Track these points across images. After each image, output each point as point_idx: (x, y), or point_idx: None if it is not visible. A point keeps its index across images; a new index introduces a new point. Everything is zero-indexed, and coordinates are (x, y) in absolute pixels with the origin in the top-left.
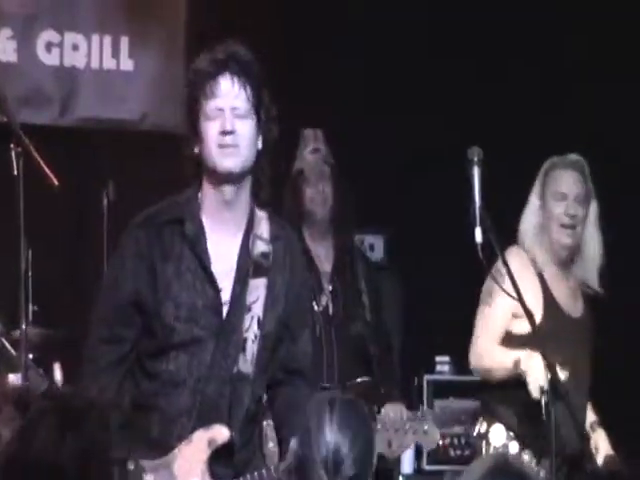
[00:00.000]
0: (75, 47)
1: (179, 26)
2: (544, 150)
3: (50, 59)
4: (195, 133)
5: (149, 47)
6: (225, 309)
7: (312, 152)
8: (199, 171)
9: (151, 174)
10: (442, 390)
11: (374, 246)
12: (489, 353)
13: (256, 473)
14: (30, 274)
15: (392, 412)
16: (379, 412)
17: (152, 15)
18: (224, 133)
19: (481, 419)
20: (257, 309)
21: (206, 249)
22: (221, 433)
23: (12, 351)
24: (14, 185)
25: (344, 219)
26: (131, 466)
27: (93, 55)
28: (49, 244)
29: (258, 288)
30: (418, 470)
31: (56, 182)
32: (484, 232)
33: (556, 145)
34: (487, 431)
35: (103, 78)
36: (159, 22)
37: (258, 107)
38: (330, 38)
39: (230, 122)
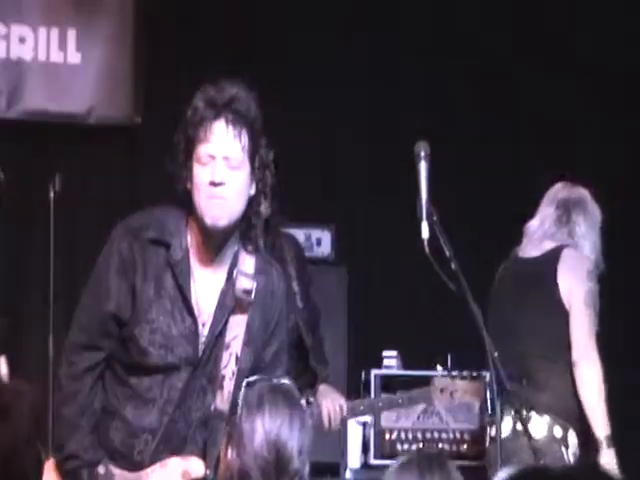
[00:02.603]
0: (22, 39)
1: (127, 18)
2: (491, 144)
3: None
4: (186, 171)
5: (97, 39)
6: (202, 342)
7: None
8: (191, 203)
9: (98, 166)
10: (390, 384)
11: (321, 241)
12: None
13: None
14: None
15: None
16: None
17: (100, 7)
18: (214, 184)
19: (554, 423)
20: (236, 346)
21: (189, 280)
22: (197, 468)
23: None
24: None
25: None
26: (102, 470)
27: (40, 48)
28: None
29: (238, 325)
30: (365, 464)
31: (2, 175)
32: (430, 226)
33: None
34: (564, 436)
35: (50, 71)
36: (107, 14)
37: (253, 155)
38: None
39: (220, 173)
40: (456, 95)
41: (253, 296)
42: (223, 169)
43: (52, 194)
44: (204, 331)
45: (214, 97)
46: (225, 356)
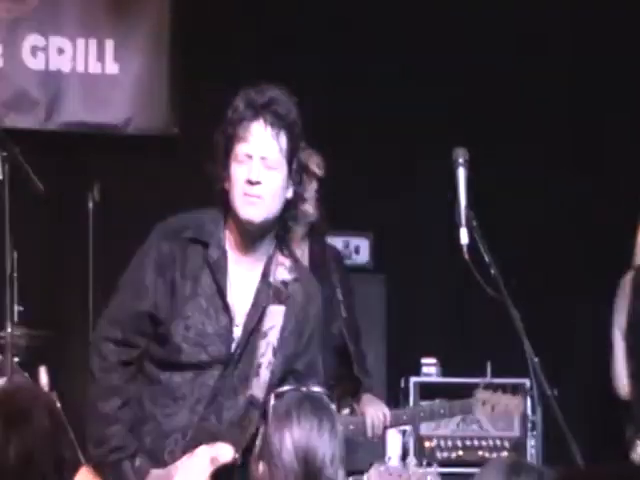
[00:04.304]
0: (60, 51)
1: (164, 28)
2: (532, 149)
3: (35, 63)
4: (224, 170)
5: (134, 50)
6: (235, 341)
7: None
8: (228, 202)
9: (136, 176)
10: (428, 392)
11: (359, 248)
12: None
13: None
14: (16, 276)
15: (379, 412)
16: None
17: (137, 18)
18: (250, 182)
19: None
20: (273, 336)
21: (226, 279)
22: (225, 453)
23: None
24: (0, 189)
25: (320, 220)
26: (137, 462)
27: (78, 59)
28: (35, 246)
29: (276, 315)
30: None
31: (41, 186)
32: (470, 233)
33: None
34: None
35: (88, 82)
36: (144, 25)
37: (291, 157)
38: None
39: (257, 172)
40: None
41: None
42: (260, 168)
43: (91, 204)
44: (238, 330)
45: (254, 98)
46: (262, 344)
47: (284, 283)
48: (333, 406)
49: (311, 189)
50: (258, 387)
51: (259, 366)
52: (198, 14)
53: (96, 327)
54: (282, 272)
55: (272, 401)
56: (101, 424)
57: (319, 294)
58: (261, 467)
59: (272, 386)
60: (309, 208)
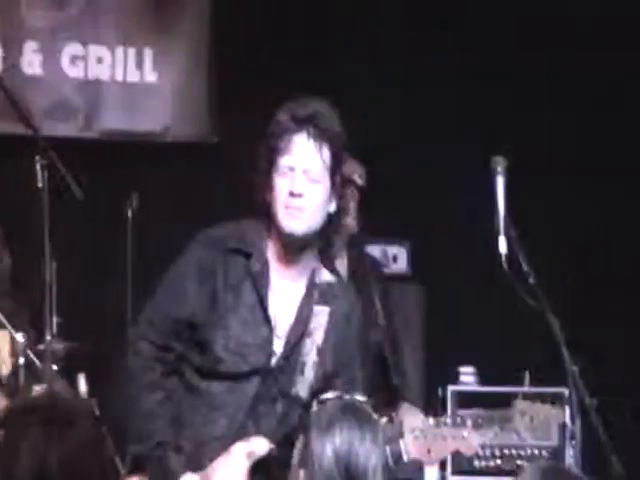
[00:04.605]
0: (99, 60)
1: (203, 37)
2: (571, 158)
3: (75, 72)
4: (266, 182)
5: (173, 59)
6: (276, 353)
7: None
8: (270, 214)
9: (175, 184)
10: (466, 401)
11: (397, 257)
12: None
13: None
14: (54, 286)
15: (420, 419)
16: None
17: (176, 26)
18: (292, 195)
19: None
20: (318, 336)
21: (267, 290)
22: (260, 446)
23: (37, 363)
24: (39, 197)
25: (359, 230)
26: (181, 456)
27: (117, 67)
28: (73, 256)
29: (321, 315)
30: None
31: (80, 194)
32: (508, 242)
33: (585, 152)
34: None
35: (127, 90)
36: (183, 33)
37: (334, 171)
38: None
39: (299, 184)
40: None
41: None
42: (302, 181)
43: (129, 212)
44: (279, 342)
45: (297, 111)
46: (307, 343)
47: (329, 285)
48: (376, 415)
49: (352, 199)
50: (302, 385)
51: (304, 365)
52: (238, 22)
53: (134, 327)
54: (326, 275)
55: (314, 408)
56: (143, 420)
57: (359, 311)
58: (302, 475)
59: (315, 386)
60: (350, 219)
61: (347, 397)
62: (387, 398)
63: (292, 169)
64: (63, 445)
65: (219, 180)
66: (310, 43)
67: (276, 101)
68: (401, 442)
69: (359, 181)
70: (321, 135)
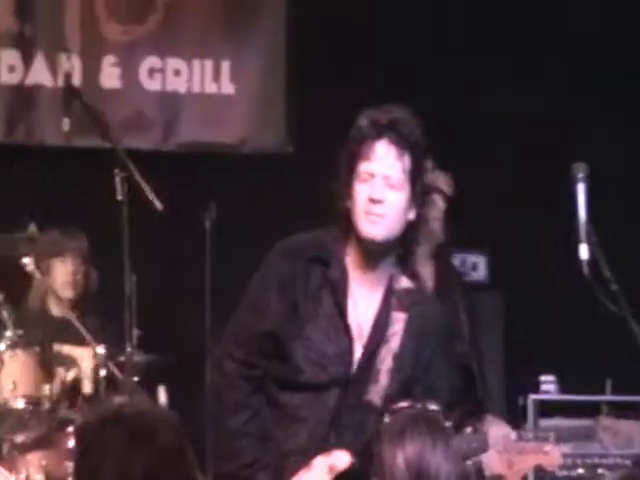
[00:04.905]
0: (177, 72)
1: (280, 49)
2: None
3: (153, 85)
4: (347, 188)
5: (250, 70)
6: (356, 362)
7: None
8: (349, 221)
9: (252, 195)
10: (547, 410)
11: (477, 265)
12: None
13: None
14: (135, 298)
15: (502, 433)
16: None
17: (252, 38)
18: (372, 201)
19: None
20: (394, 343)
21: (346, 299)
22: (342, 460)
23: (118, 375)
24: (119, 210)
25: (446, 240)
26: (269, 476)
27: (195, 80)
28: (153, 268)
29: (398, 322)
30: None
31: (160, 206)
32: (590, 248)
33: None
34: None
35: (205, 102)
36: (259, 44)
37: (414, 179)
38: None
39: (380, 191)
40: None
41: (405, 324)
42: (382, 187)
43: (208, 224)
44: (358, 351)
45: (378, 117)
46: (383, 351)
47: (407, 291)
48: (448, 424)
49: (439, 209)
50: (376, 393)
51: (378, 372)
52: (313, 32)
53: (218, 346)
54: (404, 281)
55: (386, 418)
56: (230, 439)
57: (439, 318)
58: None
59: (391, 394)
60: (437, 228)
61: (419, 406)
62: (472, 409)
63: (372, 175)
64: (147, 455)
65: (297, 190)
66: (388, 51)
67: (353, 111)
68: (484, 457)
69: (447, 190)
70: (402, 141)
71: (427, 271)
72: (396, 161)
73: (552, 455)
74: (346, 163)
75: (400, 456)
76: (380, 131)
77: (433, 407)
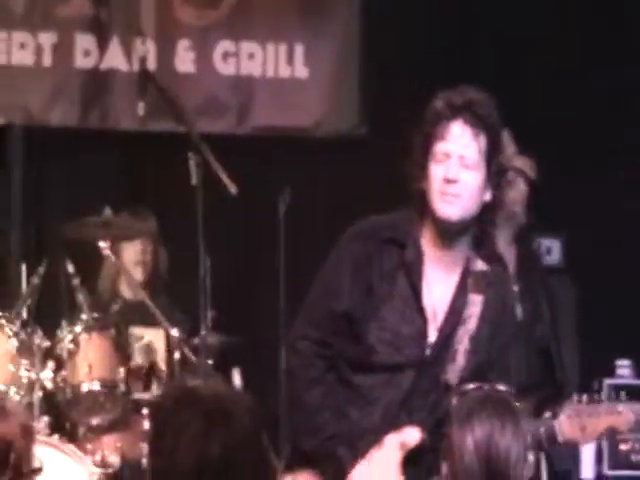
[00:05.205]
0: (251, 56)
1: (354, 32)
2: None
3: (227, 69)
4: (421, 169)
5: (324, 53)
6: (430, 344)
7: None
8: (424, 202)
9: (327, 179)
10: (623, 394)
11: (551, 249)
12: None
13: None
14: (209, 281)
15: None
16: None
17: (326, 22)
18: (447, 181)
19: None
20: (471, 324)
21: (421, 281)
22: (413, 436)
23: (192, 357)
24: (193, 194)
25: (529, 224)
26: (341, 452)
27: (269, 64)
28: (227, 251)
29: (475, 304)
30: (598, 476)
31: (234, 190)
32: None
33: None
34: None
35: (278, 86)
36: (334, 27)
37: (490, 160)
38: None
39: (455, 170)
40: None
41: (482, 306)
42: (458, 167)
43: (282, 207)
44: (433, 333)
45: (454, 98)
46: (461, 331)
47: (484, 273)
48: (518, 405)
49: (522, 192)
50: (453, 373)
51: (456, 352)
52: (387, 15)
53: (293, 326)
54: (480, 264)
55: (454, 401)
56: (310, 415)
57: (517, 301)
58: (444, 468)
59: (467, 375)
60: (519, 211)
61: (488, 387)
62: (551, 394)
63: (448, 155)
64: (224, 435)
65: (370, 173)
66: (463, 36)
67: (426, 94)
68: (555, 423)
69: (530, 174)
70: (478, 122)
71: (509, 255)
72: (472, 141)
73: (625, 415)
74: (421, 144)
75: (469, 439)
76: (456, 111)
77: (502, 388)
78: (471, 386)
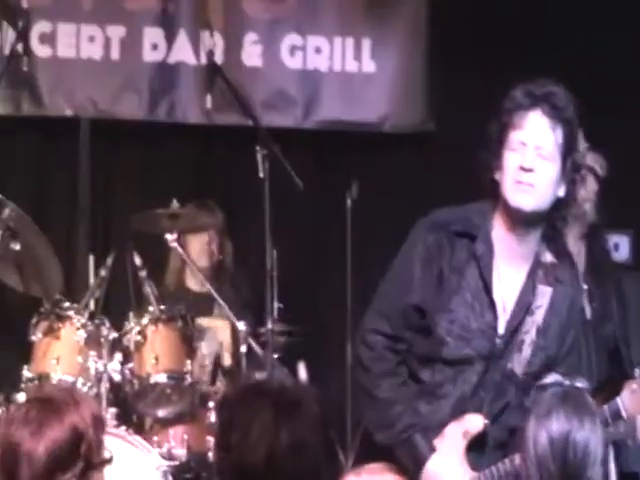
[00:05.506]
0: (318, 50)
1: (421, 26)
2: None
3: (294, 63)
4: (496, 159)
5: (391, 48)
6: (499, 337)
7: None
8: (497, 194)
9: (393, 173)
10: None
11: (619, 245)
12: None
13: (506, 461)
14: (276, 274)
15: None
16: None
17: (393, 16)
18: (523, 169)
19: None
20: (539, 315)
21: (492, 274)
22: (474, 424)
23: (258, 350)
24: (260, 187)
25: (599, 221)
26: (417, 440)
27: (335, 57)
28: (294, 244)
29: (543, 296)
30: None
31: (301, 184)
32: None
33: None
34: None
35: (345, 80)
36: (400, 23)
37: (565, 154)
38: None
39: (531, 159)
40: None
41: (550, 298)
42: (534, 156)
43: (349, 202)
44: (502, 326)
45: (533, 88)
46: (528, 322)
47: (553, 265)
48: (595, 403)
49: (592, 189)
50: (518, 363)
51: (522, 342)
52: (454, 9)
53: (363, 320)
54: (549, 256)
55: (533, 395)
56: (383, 408)
57: (584, 295)
58: (517, 461)
59: (534, 368)
60: (589, 209)
61: (567, 384)
62: (619, 392)
63: (524, 144)
64: (292, 425)
65: (438, 168)
66: (532, 30)
67: (494, 89)
68: (618, 400)
69: (600, 171)
70: (556, 114)
71: (577, 253)
72: (549, 132)
73: None
74: (497, 133)
75: (544, 434)
76: (534, 101)
77: (580, 385)
78: (550, 381)
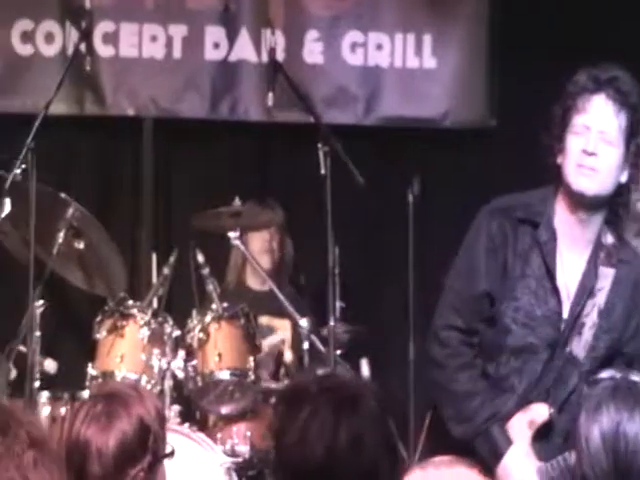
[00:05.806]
0: (379, 47)
1: (482, 22)
2: None
3: (355, 59)
4: (559, 143)
5: (452, 44)
6: (563, 324)
7: None
8: (559, 179)
9: (455, 170)
10: None
11: None
12: None
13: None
14: (337, 271)
15: None
16: None
17: (454, 12)
18: (585, 152)
19: None
20: (601, 298)
21: (555, 260)
22: (540, 413)
23: (321, 347)
24: (322, 184)
25: None
26: (495, 432)
27: (396, 54)
28: (355, 241)
29: (606, 277)
30: None
31: (362, 180)
32: None
33: None
34: None
35: (406, 77)
36: (462, 19)
37: (629, 139)
38: None
39: (594, 143)
40: None
41: (613, 280)
42: (597, 140)
43: (411, 198)
44: (566, 312)
45: (598, 73)
46: (589, 304)
47: (616, 247)
48: None
49: None
50: (579, 346)
51: (582, 325)
52: (517, 3)
53: (434, 318)
54: (610, 237)
55: (585, 389)
56: (459, 402)
57: None
58: (572, 457)
59: (594, 348)
60: None
61: (620, 376)
62: None
63: (587, 128)
64: (351, 421)
65: (499, 164)
66: (594, 24)
67: (555, 84)
68: None
69: None
70: (621, 98)
71: (636, 246)
72: (613, 117)
73: None
74: (560, 117)
75: (596, 430)
76: (599, 86)
77: (634, 378)
78: (603, 375)
